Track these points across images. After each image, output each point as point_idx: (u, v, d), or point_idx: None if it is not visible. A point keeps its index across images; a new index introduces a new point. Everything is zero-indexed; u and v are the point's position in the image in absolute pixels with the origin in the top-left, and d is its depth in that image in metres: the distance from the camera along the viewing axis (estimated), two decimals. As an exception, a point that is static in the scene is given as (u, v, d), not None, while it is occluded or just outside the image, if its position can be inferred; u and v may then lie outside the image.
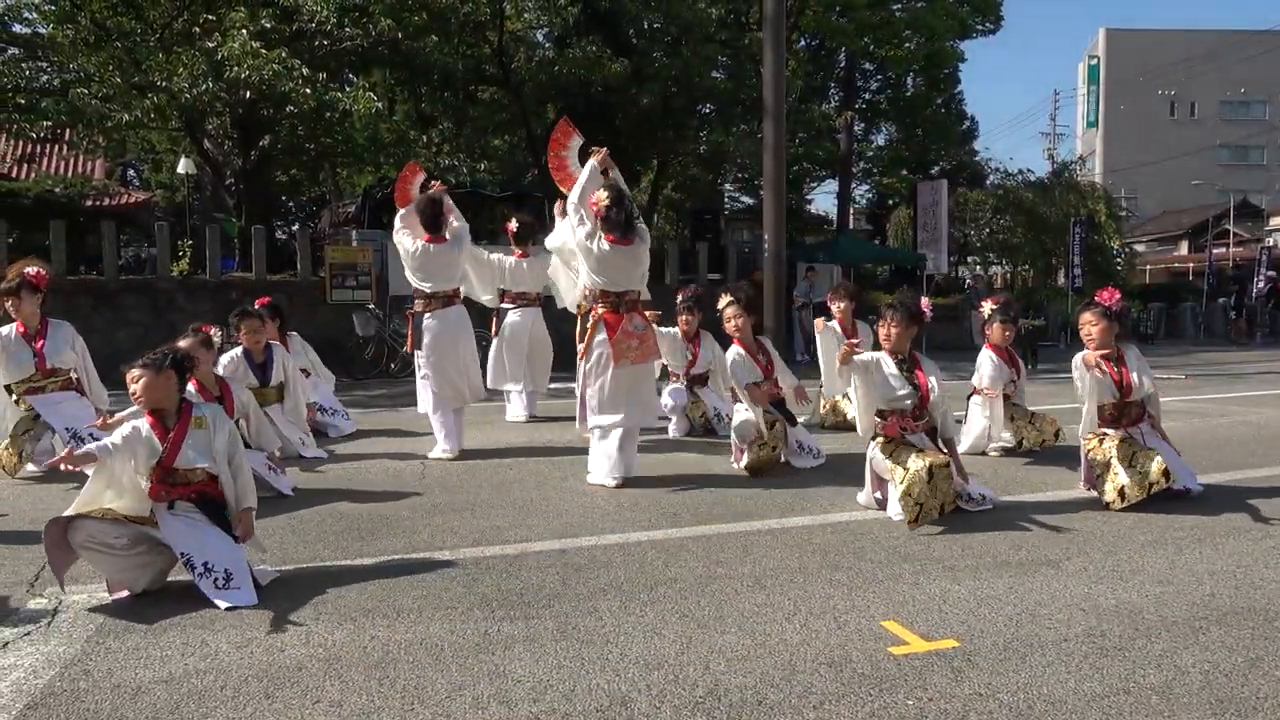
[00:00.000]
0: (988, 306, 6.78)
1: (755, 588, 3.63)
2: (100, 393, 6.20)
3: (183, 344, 4.95)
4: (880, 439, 4.81)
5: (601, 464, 5.59)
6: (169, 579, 3.68)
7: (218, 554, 3.54)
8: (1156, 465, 4.77)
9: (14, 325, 6.00)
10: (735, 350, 6.16)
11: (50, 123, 13.08)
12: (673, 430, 7.49)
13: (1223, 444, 7.00)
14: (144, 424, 3.70)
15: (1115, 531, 4.46)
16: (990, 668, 2.87)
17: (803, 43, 24.39)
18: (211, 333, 5.47)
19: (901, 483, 4.50)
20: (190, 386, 5.06)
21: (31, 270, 5.95)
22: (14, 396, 5.99)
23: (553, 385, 8.57)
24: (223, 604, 3.41)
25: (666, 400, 7.49)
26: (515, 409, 8.42)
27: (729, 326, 6.24)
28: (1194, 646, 3.04)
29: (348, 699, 2.69)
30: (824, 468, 6.05)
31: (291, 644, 3.09)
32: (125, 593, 3.55)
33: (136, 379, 3.65)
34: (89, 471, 3.57)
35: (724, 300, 6.37)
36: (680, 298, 7.59)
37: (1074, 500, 5.13)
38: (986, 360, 6.55)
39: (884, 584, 3.67)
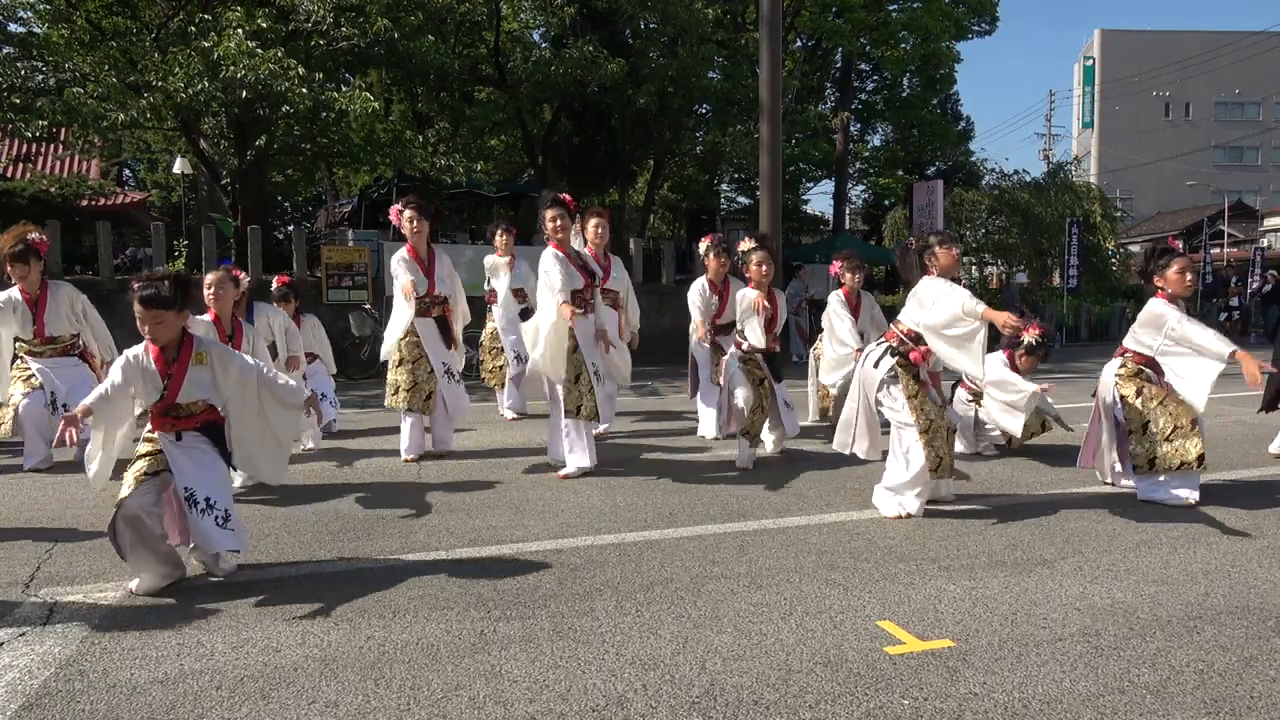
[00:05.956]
0: (1032, 334, 6.37)
1: (751, 588, 3.64)
2: (106, 340, 6.53)
3: (210, 277, 5.19)
4: (901, 367, 4.76)
5: (580, 453, 5.77)
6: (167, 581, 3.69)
7: (221, 492, 3.65)
8: (1196, 447, 4.87)
9: (16, 289, 6.18)
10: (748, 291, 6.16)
11: (45, 122, 13.00)
12: (709, 430, 7.24)
13: (1217, 444, 7.01)
14: (145, 355, 3.66)
15: (1109, 531, 4.47)
16: (985, 667, 2.88)
17: (799, 43, 24.45)
18: (240, 275, 5.74)
19: (925, 432, 4.58)
20: (207, 317, 5.12)
21: (34, 236, 6.18)
22: (14, 356, 6.22)
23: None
24: (217, 548, 3.58)
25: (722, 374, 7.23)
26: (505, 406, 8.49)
27: (757, 272, 6.07)
28: (1188, 646, 3.05)
29: (344, 699, 2.69)
30: (820, 469, 6.07)
31: (287, 644, 3.09)
32: (133, 584, 3.59)
33: (153, 319, 3.53)
34: (88, 423, 3.59)
35: (749, 244, 6.21)
36: (710, 241, 7.25)
37: (1069, 500, 5.15)
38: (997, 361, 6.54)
39: (879, 584, 3.68)
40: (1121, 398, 5.15)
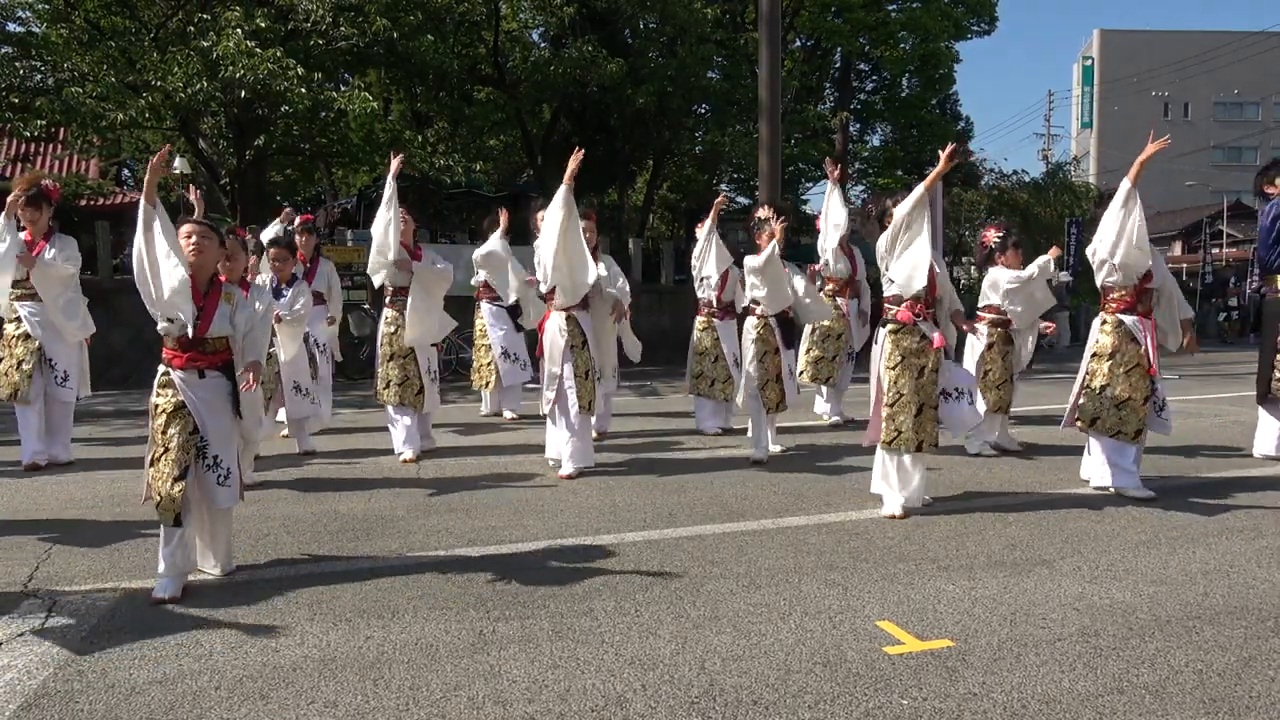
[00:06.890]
0: (992, 235, 6.52)
1: (750, 588, 3.64)
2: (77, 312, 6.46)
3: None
4: (892, 335, 4.78)
5: (580, 452, 5.86)
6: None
7: (227, 448, 3.76)
8: (1137, 421, 5.05)
9: (23, 232, 6.22)
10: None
11: (44, 122, 12.97)
12: (709, 424, 7.45)
13: (1217, 444, 7.03)
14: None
15: (1108, 531, 4.48)
16: (984, 667, 2.88)
17: (798, 43, 24.42)
18: (248, 238, 5.79)
19: (892, 405, 4.67)
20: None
21: (48, 183, 6.31)
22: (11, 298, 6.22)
23: (532, 386, 8.54)
24: (215, 504, 3.72)
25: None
26: (489, 405, 8.50)
27: (781, 229, 6.15)
28: (1187, 646, 3.05)
29: (343, 699, 2.69)
30: (820, 468, 6.07)
31: (286, 644, 3.09)
32: (161, 587, 3.56)
33: (199, 234, 3.77)
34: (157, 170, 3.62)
35: (767, 211, 6.31)
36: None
37: (1068, 500, 5.15)
38: (1002, 274, 6.36)
39: (878, 584, 3.68)
40: (1095, 354, 5.22)
